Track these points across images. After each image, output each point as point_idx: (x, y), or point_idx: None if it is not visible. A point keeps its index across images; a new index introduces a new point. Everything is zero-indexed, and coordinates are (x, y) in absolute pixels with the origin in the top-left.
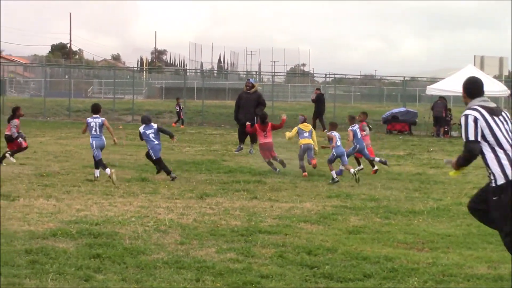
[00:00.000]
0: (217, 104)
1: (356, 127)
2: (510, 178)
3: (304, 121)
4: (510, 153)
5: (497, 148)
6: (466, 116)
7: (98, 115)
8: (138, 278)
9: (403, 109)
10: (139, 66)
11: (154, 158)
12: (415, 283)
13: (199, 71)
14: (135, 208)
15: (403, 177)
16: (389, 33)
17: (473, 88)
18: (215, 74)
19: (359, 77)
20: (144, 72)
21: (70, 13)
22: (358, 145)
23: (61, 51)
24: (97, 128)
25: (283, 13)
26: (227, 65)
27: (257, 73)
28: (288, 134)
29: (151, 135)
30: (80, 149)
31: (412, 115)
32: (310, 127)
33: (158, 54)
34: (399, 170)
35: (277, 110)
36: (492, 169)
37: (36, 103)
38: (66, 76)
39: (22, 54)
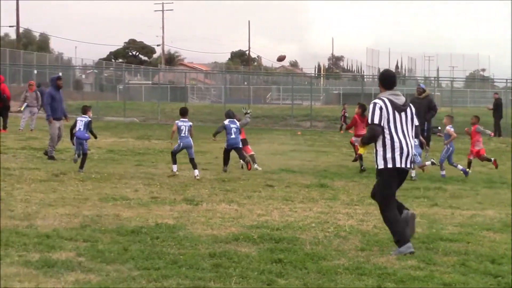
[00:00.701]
0: None
1: None
2: (389, 166)
3: None
4: (398, 146)
5: (387, 137)
6: (375, 103)
7: (186, 119)
8: (320, 283)
9: None
10: (316, 72)
11: (226, 147)
12: None
13: (376, 77)
14: (315, 213)
15: None
16: None
17: (386, 81)
18: None
19: None
20: (322, 78)
21: (249, 21)
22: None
23: (240, 58)
24: (186, 131)
25: (462, 17)
26: (405, 70)
27: (435, 78)
28: None
29: (233, 129)
30: (260, 155)
31: None
32: None
33: (335, 60)
34: None
35: (457, 116)
36: (378, 154)
37: (217, 110)
38: (245, 83)
39: (203, 61)
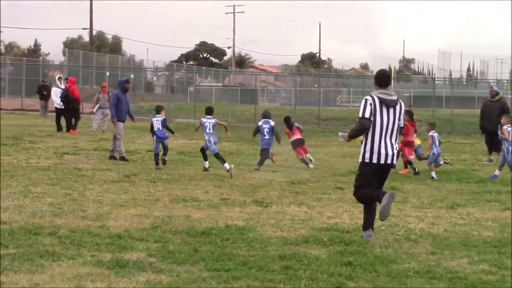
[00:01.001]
0: (466, 113)
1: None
2: (367, 161)
3: None
4: (379, 140)
5: (370, 133)
6: (366, 100)
7: (211, 116)
8: (390, 287)
9: None
10: None
11: (261, 148)
12: None
13: (447, 79)
14: None
15: None
16: None
17: (380, 78)
18: (464, 83)
19: None
20: (392, 80)
21: (320, 23)
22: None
23: (311, 61)
24: (211, 127)
25: None
26: (477, 73)
27: (508, 81)
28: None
29: (266, 130)
30: (330, 157)
31: None
32: None
33: (406, 62)
34: None
35: None
36: (362, 147)
37: (287, 112)
38: (315, 85)
39: (273, 63)
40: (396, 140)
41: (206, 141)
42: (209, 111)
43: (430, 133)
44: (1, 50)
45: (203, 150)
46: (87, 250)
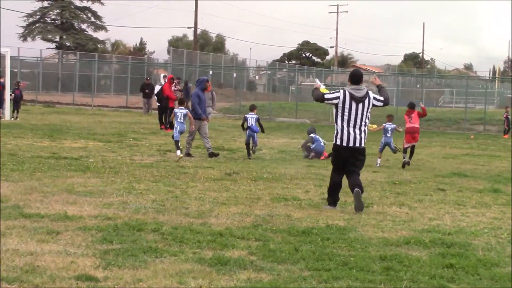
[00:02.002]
0: None
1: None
2: (338, 143)
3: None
4: (348, 129)
5: (339, 122)
6: (339, 91)
7: (183, 107)
8: None
9: None
10: (491, 75)
11: (316, 150)
12: None
13: None
14: (487, 219)
15: None
16: None
17: (353, 77)
18: None
19: None
20: (496, 81)
21: (424, 23)
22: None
23: (413, 61)
24: (182, 117)
25: None
26: None
27: None
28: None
29: (320, 138)
30: (432, 158)
31: None
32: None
33: (511, 63)
34: None
35: None
36: (335, 133)
37: (388, 111)
38: (418, 85)
39: (376, 63)
40: (365, 128)
41: (175, 129)
42: (181, 102)
43: (383, 124)
44: (107, 48)
45: (175, 139)
46: (189, 247)
